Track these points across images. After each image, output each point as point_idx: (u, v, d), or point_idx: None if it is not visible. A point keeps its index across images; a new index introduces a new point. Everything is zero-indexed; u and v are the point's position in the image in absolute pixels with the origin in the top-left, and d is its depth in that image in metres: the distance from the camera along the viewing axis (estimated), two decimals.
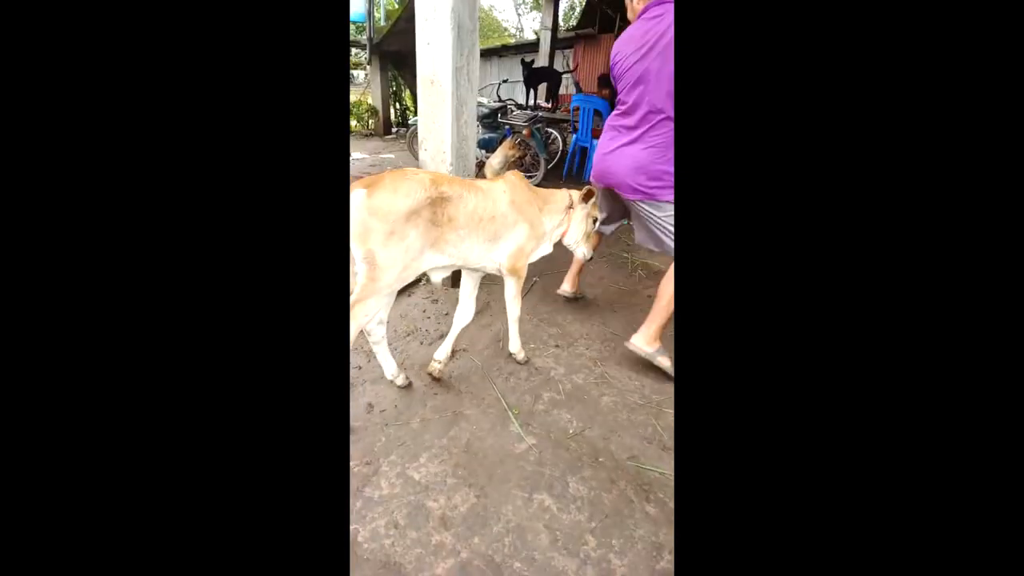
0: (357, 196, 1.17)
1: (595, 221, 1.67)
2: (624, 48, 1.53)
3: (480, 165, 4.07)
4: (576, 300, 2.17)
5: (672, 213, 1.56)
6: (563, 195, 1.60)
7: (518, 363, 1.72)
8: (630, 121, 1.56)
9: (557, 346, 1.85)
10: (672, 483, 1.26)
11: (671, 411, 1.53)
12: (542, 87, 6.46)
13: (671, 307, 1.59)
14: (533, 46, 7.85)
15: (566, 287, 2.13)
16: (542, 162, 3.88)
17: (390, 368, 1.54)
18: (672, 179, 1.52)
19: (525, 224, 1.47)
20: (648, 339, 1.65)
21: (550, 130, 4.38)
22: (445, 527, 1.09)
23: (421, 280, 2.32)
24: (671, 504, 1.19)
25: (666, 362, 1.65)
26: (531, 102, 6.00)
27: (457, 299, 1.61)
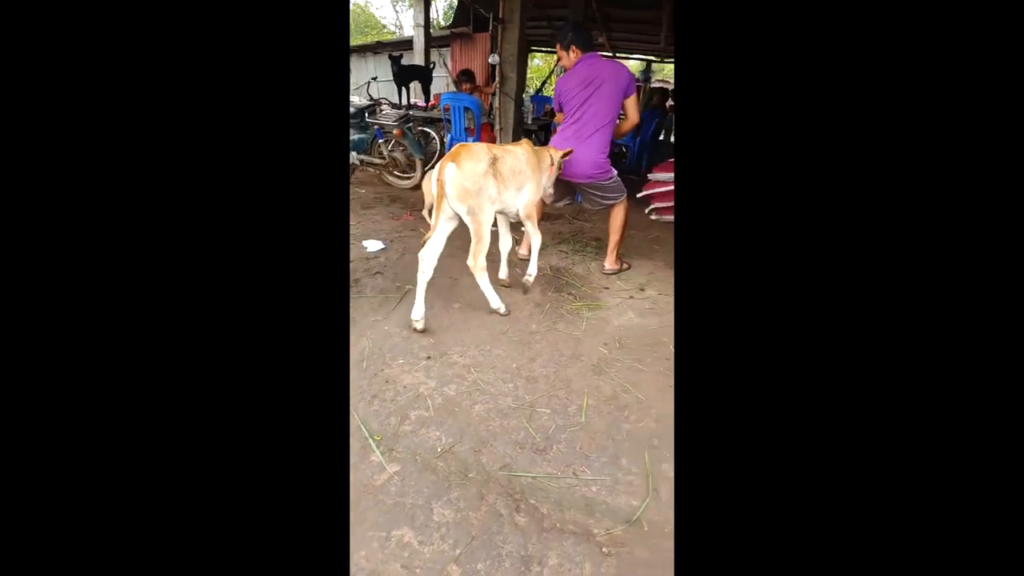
0: (451, 169, 1.77)
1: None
2: (570, 84, 2.38)
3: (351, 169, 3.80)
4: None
5: (605, 185, 2.48)
6: (546, 155, 2.25)
7: (524, 292, 2.30)
8: (579, 129, 2.39)
9: (429, 358, 1.73)
10: (544, 486, 1.22)
11: (545, 410, 1.50)
12: (417, 86, 6.27)
13: (619, 236, 2.57)
14: (410, 43, 7.59)
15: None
16: (418, 163, 3.72)
17: (419, 311, 1.89)
18: (606, 167, 2.43)
19: (535, 180, 2.10)
20: (611, 262, 2.62)
21: (427, 129, 4.23)
22: None
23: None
24: (543, 508, 1.15)
25: (626, 265, 2.68)
26: (405, 101, 5.79)
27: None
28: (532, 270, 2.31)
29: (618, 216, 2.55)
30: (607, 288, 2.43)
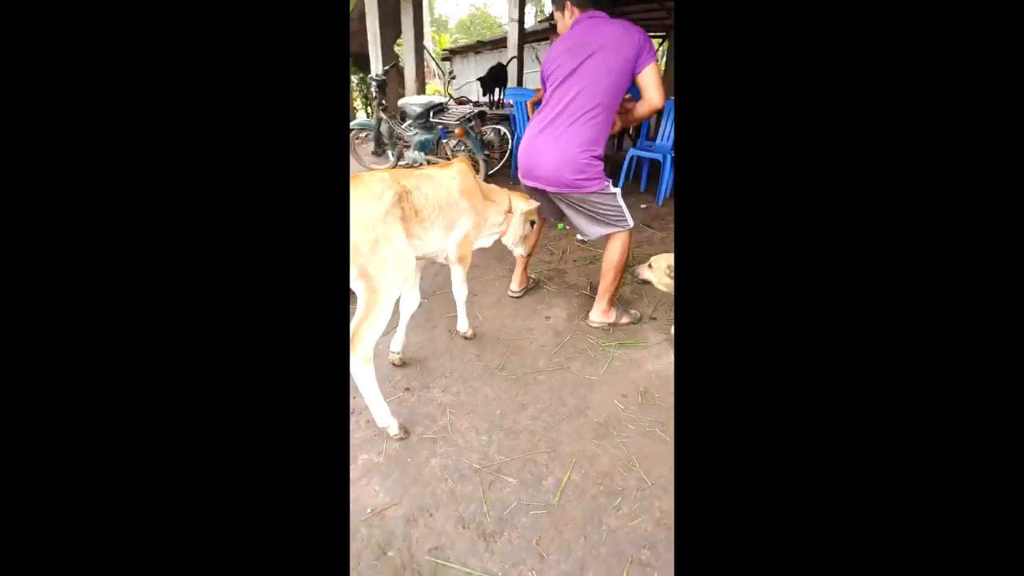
0: None
1: (532, 224, 1.82)
2: (554, 55, 1.68)
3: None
4: (528, 291, 2.21)
5: (591, 200, 1.72)
6: (503, 196, 1.69)
7: (465, 338, 1.81)
8: (555, 117, 1.66)
9: (407, 389, 1.55)
10: None
11: (511, 479, 1.22)
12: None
13: (614, 279, 1.83)
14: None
15: (514, 287, 2.17)
16: (480, 163, 3.57)
17: (398, 342, 1.59)
18: (591, 171, 1.66)
19: (472, 212, 1.53)
20: (601, 312, 1.90)
21: (499, 127, 4.07)
22: None
23: None
24: None
25: (625, 318, 1.93)
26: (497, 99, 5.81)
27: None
28: (463, 325, 1.79)
29: (615, 250, 1.79)
30: (654, 319, 2.01)
